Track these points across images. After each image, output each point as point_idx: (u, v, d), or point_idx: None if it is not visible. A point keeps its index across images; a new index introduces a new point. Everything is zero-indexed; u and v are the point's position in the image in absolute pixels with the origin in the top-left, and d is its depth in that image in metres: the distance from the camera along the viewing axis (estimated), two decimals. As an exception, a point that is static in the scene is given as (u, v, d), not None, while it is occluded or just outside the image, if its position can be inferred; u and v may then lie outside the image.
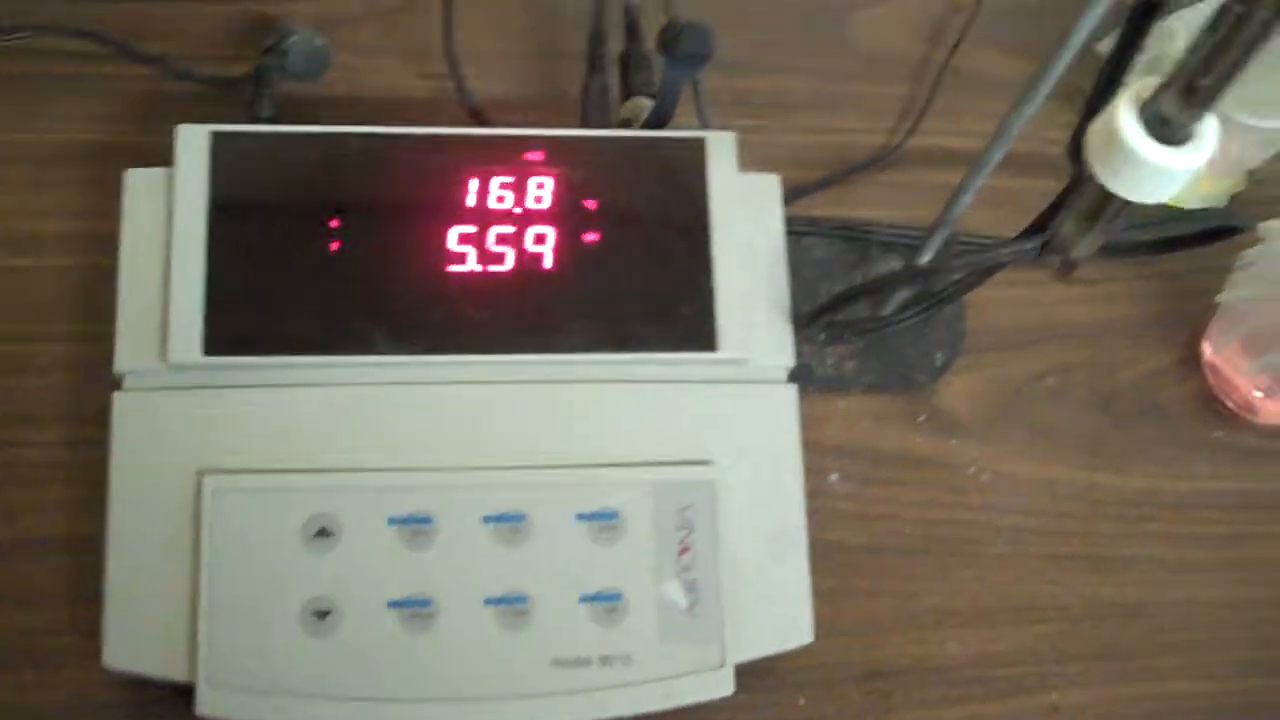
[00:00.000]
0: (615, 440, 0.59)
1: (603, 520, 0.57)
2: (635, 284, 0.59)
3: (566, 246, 0.59)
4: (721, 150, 0.61)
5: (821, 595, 0.61)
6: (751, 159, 0.62)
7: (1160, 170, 0.38)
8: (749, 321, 0.60)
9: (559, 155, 0.60)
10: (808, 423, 0.62)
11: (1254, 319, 0.64)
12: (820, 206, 0.70)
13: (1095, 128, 0.40)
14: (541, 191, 0.60)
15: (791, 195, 0.65)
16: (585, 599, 0.56)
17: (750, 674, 0.58)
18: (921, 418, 0.67)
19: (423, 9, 0.70)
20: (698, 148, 0.61)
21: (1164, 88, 0.37)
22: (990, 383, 0.68)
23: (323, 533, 0.55)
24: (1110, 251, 0.68)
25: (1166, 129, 0.38)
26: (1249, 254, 0.65)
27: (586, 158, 0.61)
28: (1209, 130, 0.38)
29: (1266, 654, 0.65)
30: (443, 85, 0.67)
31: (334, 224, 0.57)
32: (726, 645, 0.57)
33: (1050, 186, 0.49)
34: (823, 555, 0.62)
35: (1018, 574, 0.65)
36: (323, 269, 0.57)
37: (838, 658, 0.62)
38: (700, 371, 0.60)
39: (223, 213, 0.57)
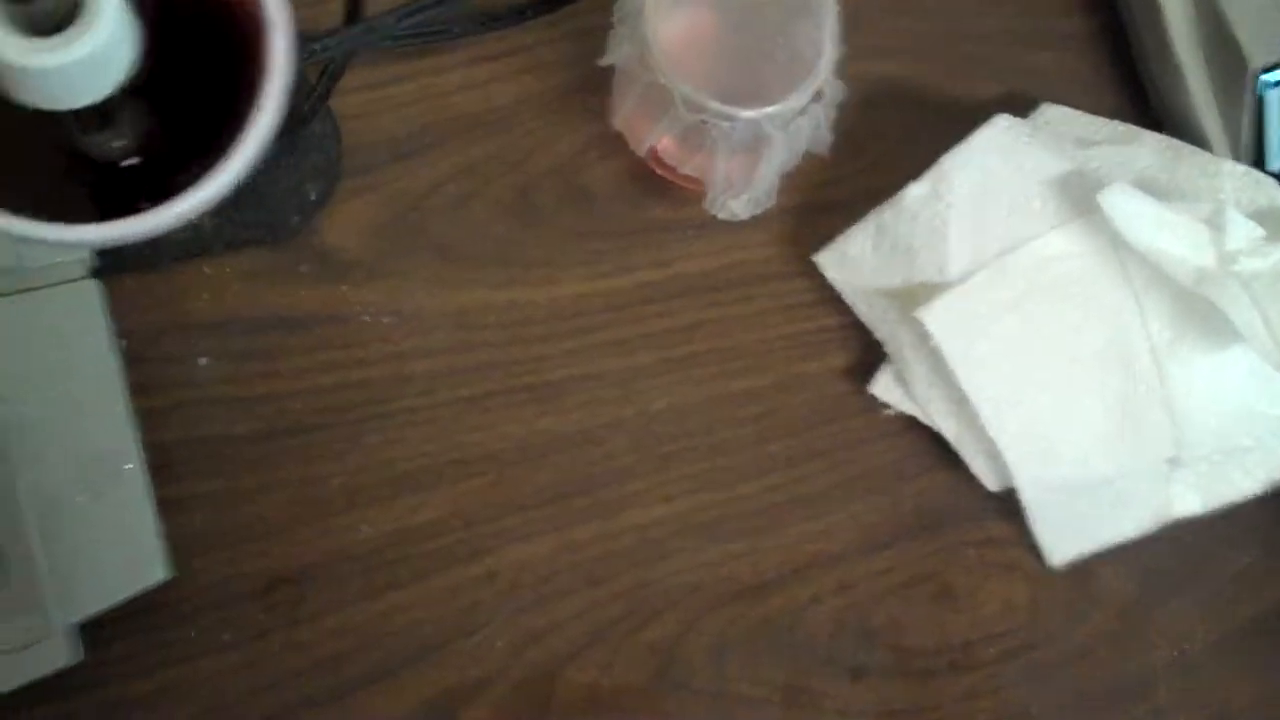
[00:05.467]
0: None
1: None
2: None
3: None
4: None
5: (202, 504, 0.59)
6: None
7: (30, 73, 0.32)
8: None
9: None
10: (165, 302, 0.59)
11: (640, 80, 0.60)
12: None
13: None
14: None
15: None
16: None
17: (121, 618, 0.55)
18: (304, 267, 0.62)
19: None
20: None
21: None
22: (380, 207, 0.64)
23: None
24: (473, 24, 0.65)
25: (30, 16, 0.32)
26: (620, 6, 0.60)
27: None
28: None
29: (735, 458, 0.64)
30: None
31: None
32: (55, 608, 0.53)
33: None
34: (201, 456, 0.60)
35: (435, 428, 0.62)
36: None
37: (229, 573, 0.59)
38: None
39: None
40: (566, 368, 0.64)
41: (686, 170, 0.63)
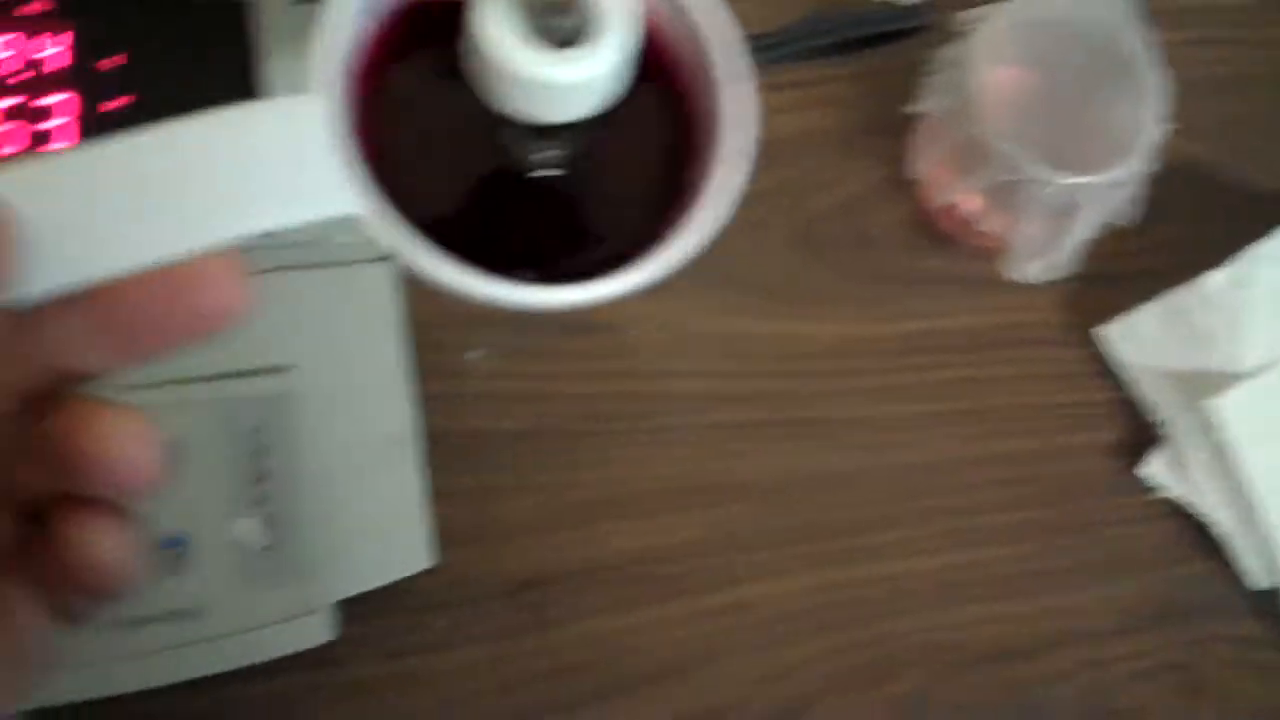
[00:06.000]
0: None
1: (158, 451, 0.53)
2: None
3: (89, 117, 0.53)
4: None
5: (462, 496, 0.59)
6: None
7: (547, 85, 0.32)
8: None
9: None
10: (443, 290, 0.58)
11: (955, 131, 0.59)
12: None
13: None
14: (53, 51, 0.54)
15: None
16: (144, 547, 0.53)
17: (375, 599, 0.55)
18: (582, 271, 0.63)
19: None
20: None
21: None
22: (664, 222, 0.64)
23: None
24: (788, 56, 0.64)
25: (547, 26, 0.32)
26: (941, 55, 0.60)
27: (107, 2, 0.54)
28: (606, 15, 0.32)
29: (991, 520, 0.63)
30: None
31: None
32: (321, 585, 0.54)
33: None
34: (464, 448, 0.60)
35: (696, 449, 0.62)
36: None
37: (483, 569, 0.59)
38: (266, 259, 0.55)
39: None
40: (832, 407, 0.63)
41: (985, 228, 0.62)
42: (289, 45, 0.54)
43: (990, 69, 0.58)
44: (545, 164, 0.37)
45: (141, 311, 0.30)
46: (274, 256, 0.55)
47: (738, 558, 0.61)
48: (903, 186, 0.65)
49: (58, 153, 0.30)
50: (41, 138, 0.53)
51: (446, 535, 0.58)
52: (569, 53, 0.32)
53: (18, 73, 0.53)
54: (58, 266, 0.29)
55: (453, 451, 0.59)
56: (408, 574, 0.56)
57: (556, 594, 0.59)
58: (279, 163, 0.31)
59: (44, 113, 0.53)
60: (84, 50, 0.54)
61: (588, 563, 0.60)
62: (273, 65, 0.54)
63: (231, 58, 0.54)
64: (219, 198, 0.30)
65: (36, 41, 0.54)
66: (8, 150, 0.52)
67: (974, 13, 0.60)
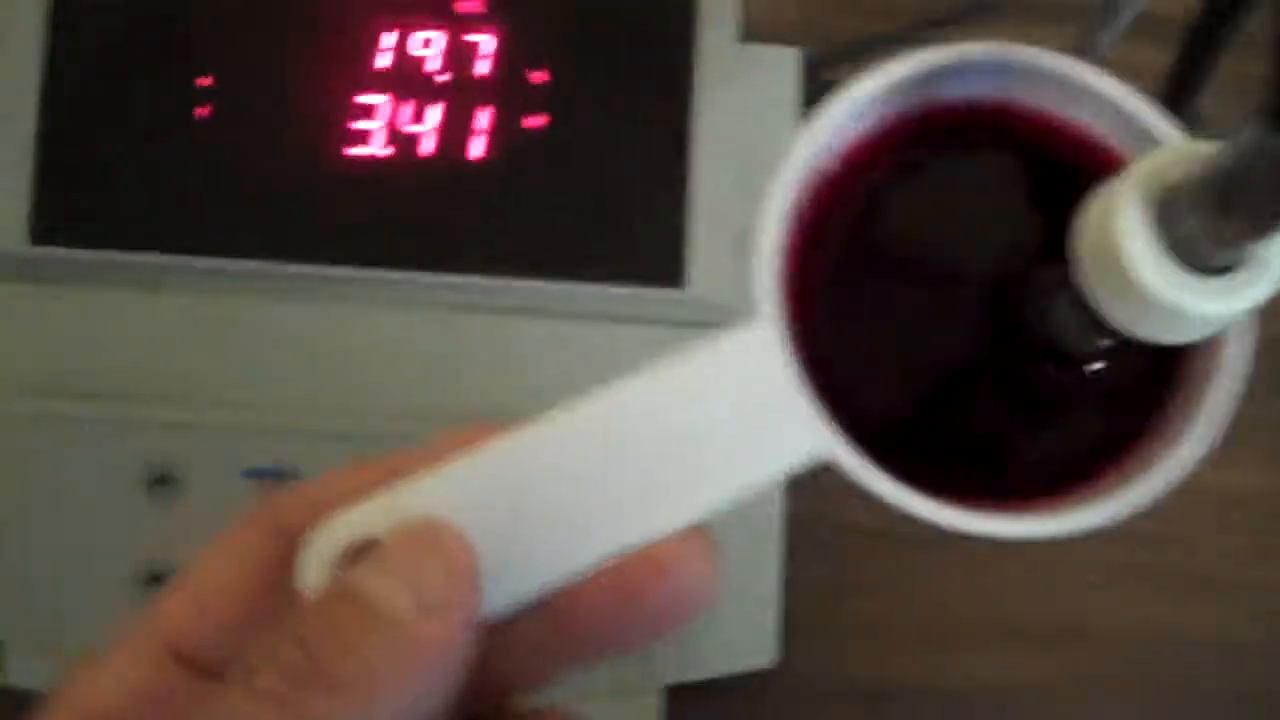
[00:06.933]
0: (535, 393, 0.51)
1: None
2: (586, 189, 0.51)
3: (504, 131, 0.51)
4: (718, 11, 0.51)
5: (811, 587, 0.55)
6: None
7: (1178, 313, 0.27)
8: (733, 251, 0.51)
9: (505, 6, 0.51)
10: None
11: None
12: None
13: (1088, 215, 0.28)
14: (479, 55, 0.51)
15: (824, 68, 0.55)
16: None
17: (705, 685, 0.51)
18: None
19: None
20: (684, 7, 0.51)
21: (1189, 190, 0.25)
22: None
23: (163, 480, 0.50)
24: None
25: (1194, 247, 0.26)
26: None
27: (540, 12, 0.51)
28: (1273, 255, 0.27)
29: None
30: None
31: (203, 82, 0.50)
32: (658, 666, 0.51)
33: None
34: (820, 538, 0.56)
35: (1066, 582, 0.57)
36: (185, 140, 0.50)
37: (821, 668, 0.56)
38: (659, 311, 0.51)
39: (62, 64, 0.50)
40: (1222, 565, 0.58)
41: None
42: (729, 88, 0.51)
43: None
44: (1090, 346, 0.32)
45: (600, 611, 0.27)
46: (664, 312, 0.51)
47: (1087, 709, 0.56)
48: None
49: (493, 445, 0.27)
50: (456, 147, 0.51)
51: (790, 627, 0.54)
52: (1217, 281, 0.26)
53: (440, 73, 0.51)
54: (513, 578, 0.26)
55: (813, 541, 0.55)
56: (750, 667, 0.52)
57: (895, 710, 0.55)
58: (738, 415, 0.26)
59: (463, 119, 0.51)
60: (508, 59, 0.51)
61: (933, 684, 0.56)
62: (706, 107, 0.50)
63: (661, 90, 0.51)
64: (679, 469, 0.26)
65: (464, 43, 0.51)
66: (424, 150, 0.50)
67: None
